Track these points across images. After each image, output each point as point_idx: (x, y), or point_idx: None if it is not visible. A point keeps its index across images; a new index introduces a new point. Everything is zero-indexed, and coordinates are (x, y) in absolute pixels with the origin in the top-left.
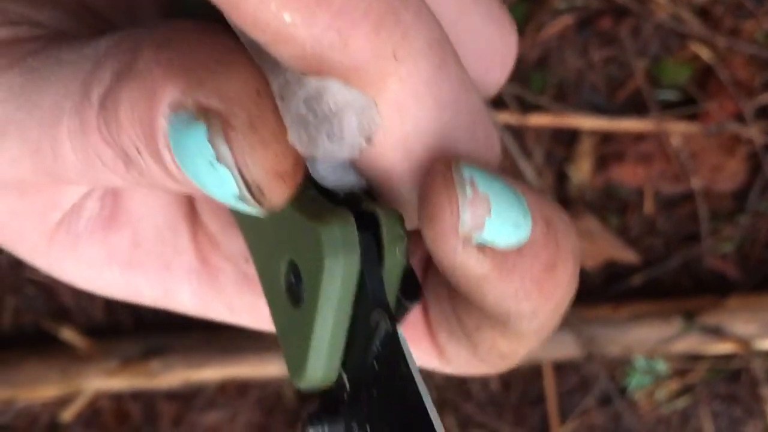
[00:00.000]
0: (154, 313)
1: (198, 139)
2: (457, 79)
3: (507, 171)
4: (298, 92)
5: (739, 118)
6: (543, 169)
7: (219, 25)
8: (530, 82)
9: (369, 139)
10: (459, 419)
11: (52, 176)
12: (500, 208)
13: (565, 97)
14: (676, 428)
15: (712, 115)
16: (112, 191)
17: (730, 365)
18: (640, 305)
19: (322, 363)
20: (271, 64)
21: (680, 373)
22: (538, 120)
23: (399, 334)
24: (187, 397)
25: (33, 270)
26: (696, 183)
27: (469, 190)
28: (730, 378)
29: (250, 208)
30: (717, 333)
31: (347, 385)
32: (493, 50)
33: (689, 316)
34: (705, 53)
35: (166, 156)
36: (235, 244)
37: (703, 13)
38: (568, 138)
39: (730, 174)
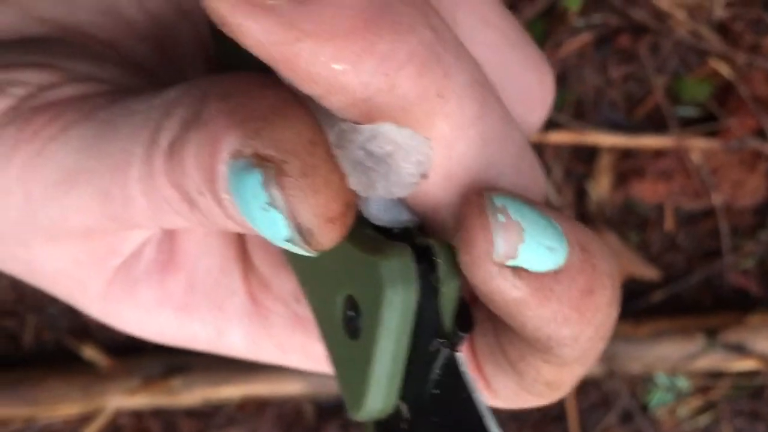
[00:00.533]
0: None
1: (254, 184)
2: (500, 116)
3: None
4: (354, 139)
5: (760, 134)
6: (562, 186)
7: (275, 76)
8: None
9: (425, 175)
10: None
11: (119, 221)
12: (533, 234)
13: (584, 115)
14: None
15: (732, 131)
16: (169, 237)
17: (753, 382)
18: (661, 322)
19: (382, 393)
20: (327, 116)
21: (702, 390)
22: (557, 137)
23: (460, 358)
24: (208, 415)
25: None
26: (716, 199)
27: (501, 217)
28: (753, 395)
29: (301, 250)
30: (739, 350)
31: (405, 414)
32: (532, 92)
33: (711, 333)
34: (724, 69)
35: (226, 199)
36: (285, 284)
37: (723, 30)
38: (588, 155)
39: (751, 190)
